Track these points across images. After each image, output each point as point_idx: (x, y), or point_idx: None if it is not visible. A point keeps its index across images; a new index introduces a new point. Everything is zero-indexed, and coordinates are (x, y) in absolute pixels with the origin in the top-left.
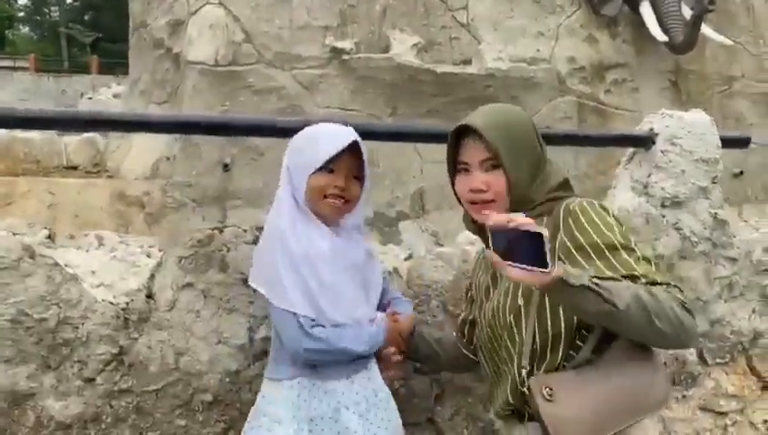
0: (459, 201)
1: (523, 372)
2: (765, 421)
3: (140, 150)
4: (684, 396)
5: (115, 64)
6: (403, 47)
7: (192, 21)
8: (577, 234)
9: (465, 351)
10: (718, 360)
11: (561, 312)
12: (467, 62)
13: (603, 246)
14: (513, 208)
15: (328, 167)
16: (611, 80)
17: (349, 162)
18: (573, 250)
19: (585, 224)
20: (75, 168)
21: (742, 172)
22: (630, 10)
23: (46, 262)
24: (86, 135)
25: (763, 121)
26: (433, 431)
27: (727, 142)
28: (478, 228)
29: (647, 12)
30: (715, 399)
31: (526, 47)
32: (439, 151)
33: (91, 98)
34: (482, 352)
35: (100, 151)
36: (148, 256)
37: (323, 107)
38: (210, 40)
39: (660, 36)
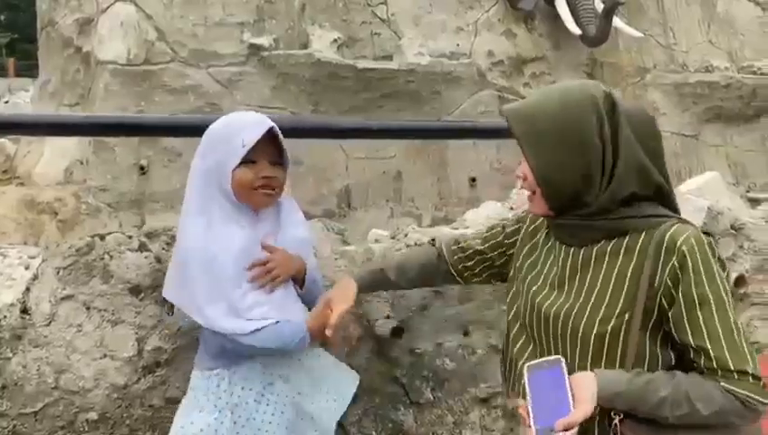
0: None
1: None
2: None
3: (53, 155)
4: None
5: (34, 66)
6: (323, 43)
7: (102, 19)
8: (704, 285)
9: (451, 269)
10: None
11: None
12: (388, 57)
13: (721, 306)
14: (555, 207)
15: (250, 158)
16: (530, 73)
17: (267, 149)
18: (697, 306)
19: (703, 276)
20: None
21: None
22: (546, 4)
23: None
24: None
25: (673, 110)
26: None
27: None
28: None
29: (561, 6)
30: None
31: (446, 42)
32: (364, 147)
33: (7, 101)
34: (518, 342)
35: (9, 157)
36: (26, 267)
37: (243, 105)
38: (122, 38)
39: (575, 30)
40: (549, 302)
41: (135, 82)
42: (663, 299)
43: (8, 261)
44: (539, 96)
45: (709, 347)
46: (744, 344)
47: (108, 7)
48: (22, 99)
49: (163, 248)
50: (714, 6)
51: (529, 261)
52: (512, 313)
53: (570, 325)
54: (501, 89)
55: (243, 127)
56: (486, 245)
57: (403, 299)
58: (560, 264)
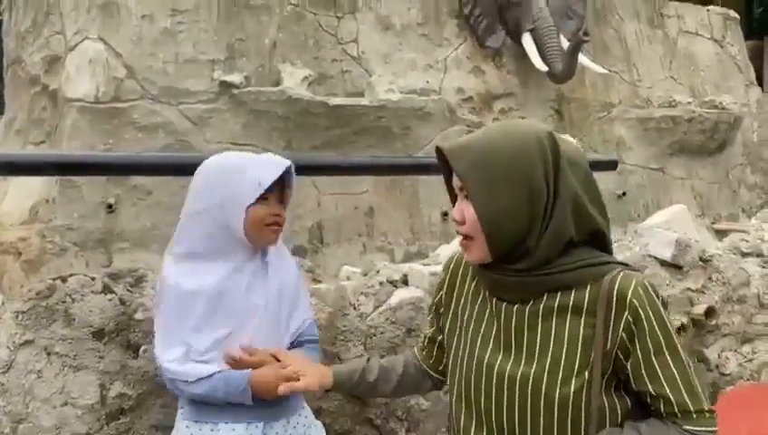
0: None
1: None
2: None
3: (17, 194)
4: None
5: None
6: (294, 80)
7: (70, 57)
8: (658, 334)
9: (429, 371)
10: None
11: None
12: (359, 94)
13: (674, 352)
14: (502, 251)
15: (263, 195)
16: (499, 109)
17: (276, 187)
18: (653, 355)
19: (656, 325)
20: None
21: (624, 193)
22: (513, 42)
23: None
24: None
25: (639, 144)
26: None
27: (597, 166)
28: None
29: (528, 44)
30: None
31: (416, 79)
32: (336, 183)
33: None
34: (462, 404)
35: None
36: None
37: (213, 142)
38: (90, 76)
39: (541, 66)
40: (499, 365)
41: (103, 120)
42: (619, 354)
43: None
44: (482, 136)
45: (668, 393)
46: (697, 383)
47: (76, 45)
48: None
49: (128, 290)
50: (674, 44)
51: (461, 320)
52: (455, 387)
53: (529, 389)
54: (471, 125)
55: (260, 165)
56: (434, 328)
57: (375, 338)
58: (501, 322)
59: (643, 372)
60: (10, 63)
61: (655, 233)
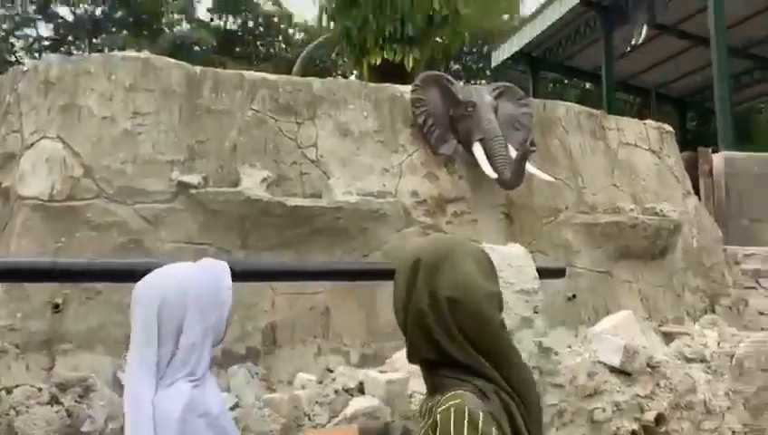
0: None
1: None
2: None
3: None
4: None
5: None
6: (253, 181)
7: (26, 155)
8: None
9: None
10: None
11: None
12: (317, 195)
13: None
14: (414, 360)
15: None
16: (452, 212)
17: None
18: None
19: None
20: None
21: (574, 296)
22: (465, 150)
23: None
24: None
25: (586, 248)
26: None
27: (546, 273)
28: None
29: (478, 152)
30: None
31: (373, 182)
32: (291, 283)
33: None
34: None
35: None
36: None
37: (169, 242)
38: (45, 174)
39: (491, 174)
40: None
41: (56, 218)
42: None
43: None
44: (403, 249)
45: None
46: None
47: (33, 144)
48: None
49: (76, 401)
50: (616, 155)
51: None
52: None
53: None
54: (425, 226)
55: (221, 274)
56: None
57: None
58: None
59: None
60: None
61: (603, 339)
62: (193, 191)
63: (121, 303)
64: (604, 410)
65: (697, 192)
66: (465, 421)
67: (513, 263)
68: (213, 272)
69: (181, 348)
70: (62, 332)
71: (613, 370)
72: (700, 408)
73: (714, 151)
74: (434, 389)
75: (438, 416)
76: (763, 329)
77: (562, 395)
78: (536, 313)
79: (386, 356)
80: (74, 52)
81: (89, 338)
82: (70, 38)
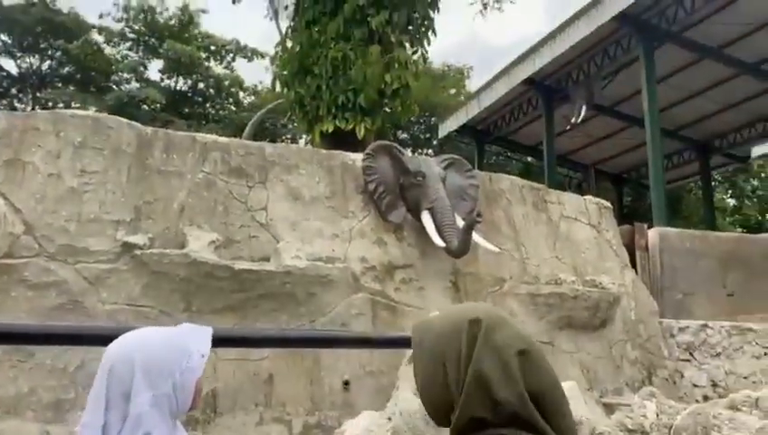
0: None
1: None
2: None
3: None
4: None
5: None
6: (200, 243)
7: None
8: None
9: None
10: None
11: None
12: (266, 259)
13: None
14: (433, 419)
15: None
16: (400, 278)
17: None
18: None
19: None
20: None
21: None
22: (414, 218)
23: None
24: None
25: (530, 318)
26: None
27: None
28: None
29: (427, 221)
30: None
31: (322, 247)
32: (234, 350)
33: None
34: None
35: None
36: None
37: (109, 303)
38: None
39: (439, 242)
40: None
41: None
42: None
43: None
44: (437, 316)
45: None
46: None
47: None
48: None
49: None
50: (557, 227)
51: None
52: None
53: None
54: (374, 292)
55: (192, 339)
56: None
57: None
58: None
59: None
60: None
61: None
62: (138, 252)
63: (53, 366)
64: None
65: (634, 265)
66: None
67: None
68: (179, 338)
69: (129, 415)
70: None
71: None
72: None
73: (649, 227)
74: None
75: None
76: (697, 401)
77: None
78: None
79: (329, 425)
80: (17, 105)
81: (18, 403)
82: (13, 91)
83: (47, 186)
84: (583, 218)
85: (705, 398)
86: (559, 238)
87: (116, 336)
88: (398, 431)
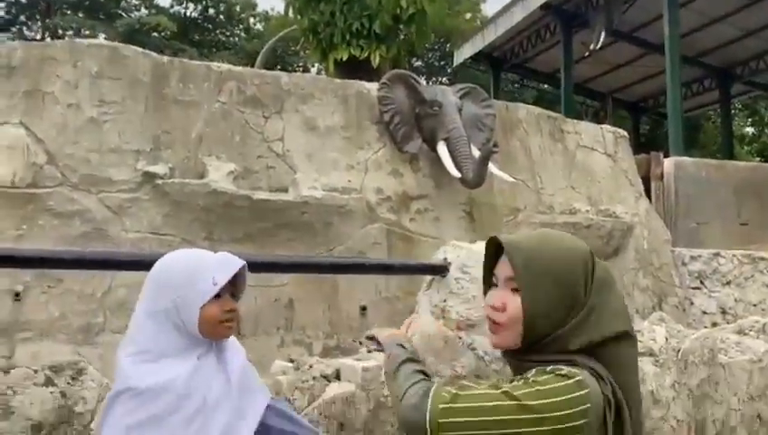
0: None
1: None
2: None
3: None
4: None
5: None
6: (219, 173)
7: None
8: None
9: None
10: None
11: None
12: (283, 189)
13: None
14: (527, 344)
15: (217, 293)
16: (415, 209)
17: (228, 284)
18: None
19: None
20: None
21: None
22: (429, 149)
23: None
24: None
25: None
26: None
27: None
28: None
29: (442, 151)
30: None
31: (338, 178)
32: (256, 275)
33: None
34: None
35: None
36: None
37: (132, 232)
38: (7, 160)
39: (454, 173)
40: None
41: (18, 205)
42: None
43: None
44: (540, 239)
45: None
46: None
47: None
48: None
49: (68, 383)
50: (573, 157)
51: None
52: None
53: None
54: (389, 223)
55: (212, 266)
56: None
57: None
58: None
59: None
60: None
61: None
62: (158, 182)
63: (82, 292)
64: None
65: (648, 195)
66: (564, 380)
67: (481, 259)
68: (200, 262)
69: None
70: (23, 320)
71: None
72: (648, 398)
73: (665, 156)
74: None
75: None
76: (705, 327)
77: None
78: None
79: (348, 348)
80: (26, 33)
81: (50, 327)
82: (22, 18)
83: (67, 116)
84: (599, 148)
85: (714, 324)
86: (574, 168)
87: (139, 262)
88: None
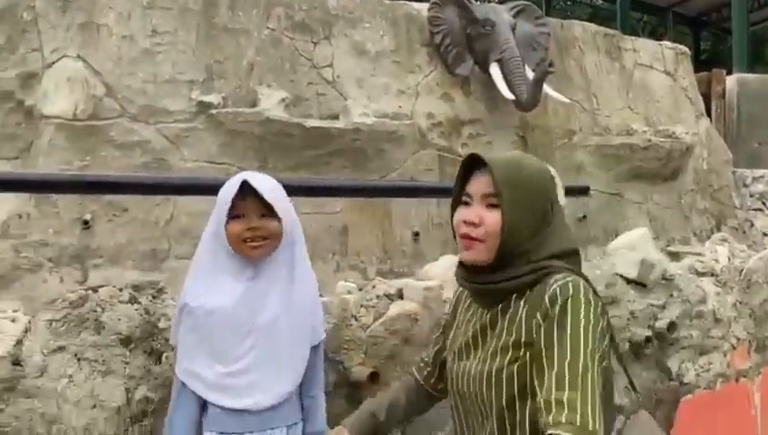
0: (455, 236)
1: None
2: None
3: None
4: None
5: None
6: (271, 102)
7: (48, 74)
8: (554, 337)
9: (430, 390)
10: None
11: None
12: (334, 116)
13: (565, 373)
14: (502, 255)
15: (239, 213)
16: (467, 134)
17: (254, 204)
18: (544, 354)
19: (567, 325)
20: None
21: (585, 216)
22: (481, 71)
23: None
24: None
25: (598, 170)
26: None
27: (570, 191)
28: (463, 274)
29: (495, 73)
30: None
31: (389, 103)
32: (310, 203)
33: None
34: (454, 402)
35: None
36: (13, 320)
37: (191, 161)
38: (68, 94)
39: (508, 95)
40: (469, 366)
41: (80, 137)
42: (535, 337)
43: None
44: (518, 158)
45: (552, 397)
46: (592, 397)
47: (54, 62)
48: None
49: (150, 300)
50: (631, 76)
51: (456, 335)
52: (450, 396)
53: (483, 381)
54: (440, 148)
55: (227, 184)
56: (439, 346)
57: (375, 347)
58: (477, 326)
59: (543, 357)
60: None
61: (621, 254)
62: (213, 111)
63: (146, 220)
64: (620, 317)
65: (709, 114)
66: (583, 294)
67: None
68: (229, 182)
69: None
70: (93, 247)
71: (630, 281)
72: (709, 317)
73: (727, 73)
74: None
75: (558, 289)
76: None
77: None
78: None
79: (401, 272)
80: None
81: (117, 253)
82: None
83: (122, 48)
84: (658, 66)
85: None
86: (632, 87)
87: (193, 186)
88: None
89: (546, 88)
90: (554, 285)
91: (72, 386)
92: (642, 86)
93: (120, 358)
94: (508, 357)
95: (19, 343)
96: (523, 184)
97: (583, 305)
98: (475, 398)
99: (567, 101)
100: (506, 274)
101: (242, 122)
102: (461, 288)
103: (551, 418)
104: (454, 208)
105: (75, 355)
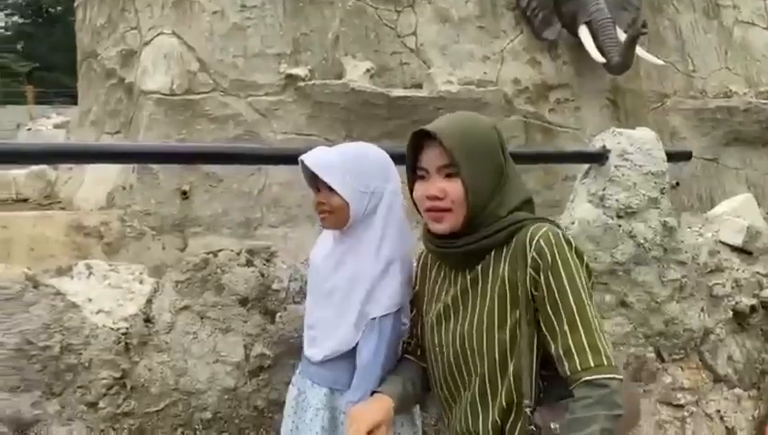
0: (418, 210)
1: (527, 410)
2: (718, 411)
3: (94, 181)
4: (644, 391)
5: (51, 94)
6: (356, 73)
7: (145, 51)
8: (561, 272)
9: (425, 366)
10: (674, 356)
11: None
12: (418, 85)
13: (575, 318)
14: (471, 219)
15: (315, 188)
16: (554, 99)
17: (316, 180)
18: (548, 304)
19: (558, 261)
20: (26, 200)
21: (678, 183)
22: (569, 34)
23: (49, 291)
24: (35, 167)
25: (693, 134)
26: None
27: (671, 156)
28: (434, 242)
29: (585, 35)
30: (672, 393)
31: (474, 70)
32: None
33: (30, 129)
34: (437, 377)
35: (50, 183)
36: (141, 282)
37: (280, 133)
38: (165, 69)
39: (598, 58)
40: (449, 329)
41: (177, 111)
42: (531, 289)
43: (122, 276)
44: (460, 120)
45: (568, 335)
46: (599, 333)
47: (151, 40)
48: (44, 126)
49: (264, 264)
50: (730, 34)
51: (428, 303)
52: (429, 364)
53: (471, 342)
54: (527, 115)
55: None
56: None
57: None
58: (454, 289)
59: (547, 308)
60: (84, 57)
61: (725, 220)
62: (300, 84)
63: (240, 190)
64: (724, 285)
65: None
66: (564, 239)
67: (642, 146)
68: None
69: None
70: (192, 216)
71: (734, 249)
72: None
73: None
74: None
75: (540, 240)
76: None
77: (684, 271)
78: (663, 193)
79: None
80: None
81: (214, 222)
82: None
83: (213, 23)
84: (761, 22)
85: None
86: (731, 47)
87: (286, 155)
88: (577, 238)
89: (638, 49)
90: (535, 238)
91: (197, 342)
92: (742, 45)
93: (238, 317)
94: (496, 314)
95: (149, 302)
96: (477, 149)
97: (567, 249)
98: (460, 360)
99: (660, 62)
100: (481, 234)
101: (328, 94)
102: (423, 258)
103: (578, 364)
104: (411, 183)
105: (199, 314)
